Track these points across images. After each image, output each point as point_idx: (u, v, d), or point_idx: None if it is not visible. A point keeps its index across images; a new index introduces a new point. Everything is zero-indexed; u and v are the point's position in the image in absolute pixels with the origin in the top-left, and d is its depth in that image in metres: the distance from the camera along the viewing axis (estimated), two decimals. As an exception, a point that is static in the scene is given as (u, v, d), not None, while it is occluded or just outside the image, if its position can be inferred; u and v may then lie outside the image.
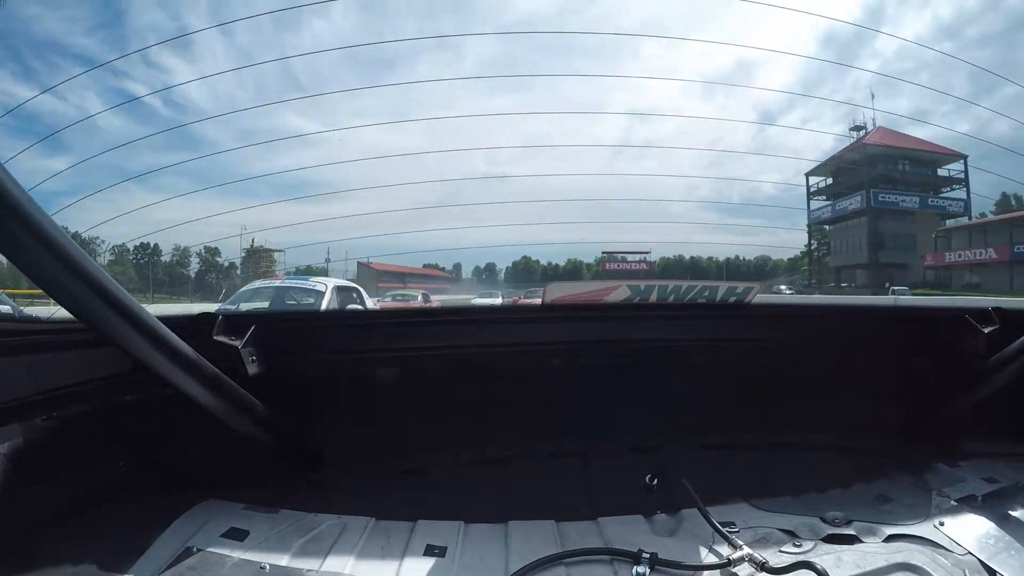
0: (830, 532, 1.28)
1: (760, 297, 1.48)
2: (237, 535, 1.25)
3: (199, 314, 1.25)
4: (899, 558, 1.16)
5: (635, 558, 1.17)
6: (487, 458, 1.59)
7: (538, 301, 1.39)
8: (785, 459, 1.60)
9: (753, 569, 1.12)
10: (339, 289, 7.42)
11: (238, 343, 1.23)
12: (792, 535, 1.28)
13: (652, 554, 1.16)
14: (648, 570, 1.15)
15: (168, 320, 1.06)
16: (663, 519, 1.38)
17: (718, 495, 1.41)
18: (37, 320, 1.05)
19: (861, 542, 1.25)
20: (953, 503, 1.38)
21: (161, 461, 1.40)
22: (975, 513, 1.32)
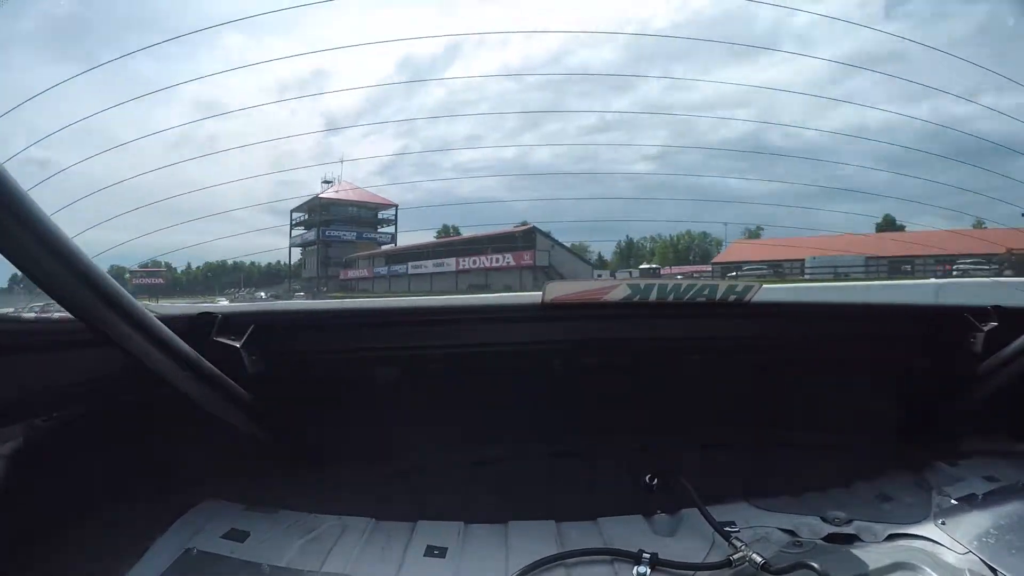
0: (830, 531, 1.28)
1: (760, 295, 1.48)
2: (237, 536, 1.25)
3: (199, 314, 1.25)
4: (900, 557, 1.16)
5: (635, 558, 1.17)
6: (487, 458, 1.59)
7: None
8: (785, 459, 1.60)
9: (753, 569, 1.12)
10: None
11: (237, 343, 1.23)
12: (792, 535, 1.28)
13: (652, 554, 1.16)
14: (648, 570, 1.14)
15: (167, 320, 1.06)
16: (663, 519, 1.38)
17: (718, 495, 1.41)
18: (37, 320, 1.05)
19: (862, 541, 1.25)
20: (954, 502, 1.37)
21: (161, 461, 1.39)
22: (976, 512, 1.32)
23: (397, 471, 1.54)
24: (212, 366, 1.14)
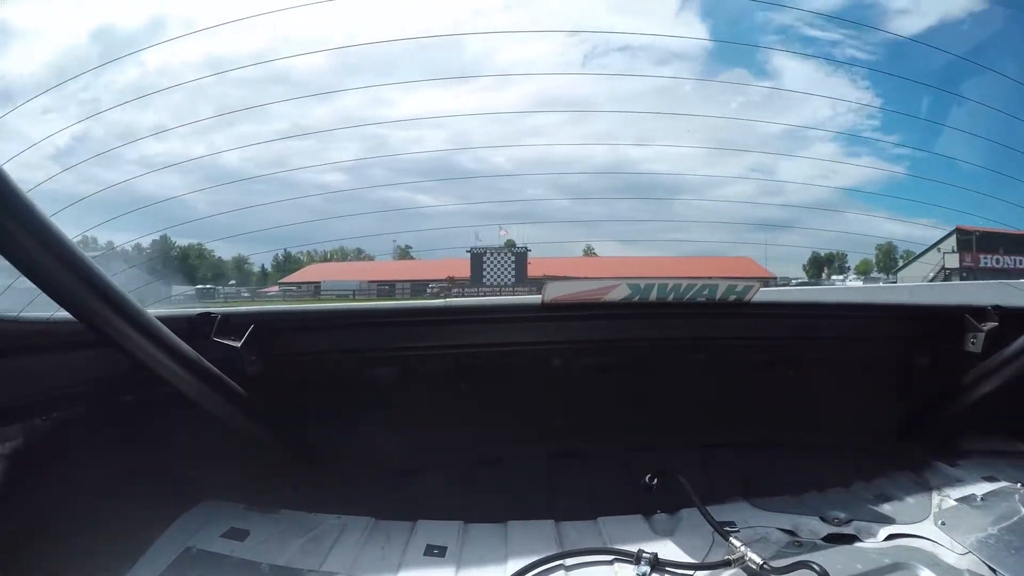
0: (830, 532, 1.28)
1: (760, 295, 1.48)
2: (237, 535, 1.25)
3: (198, 314, 1.25)
4: (899, 557, 1.16)
5: (635, 558, 1.17)
6: (487, 458, 1.59)
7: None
8: (785, 459, 1.60)
9: (753, 569, 1.12)
10: None
11: (237, 343, 1.23)
12: (792, 535, 1.28)
13: (652, 554, 1.16)
14: (649, 569, 1.14)
15: (167, 320, 1.06)
16: (663, 519, 1.37)
17: (718, 495, 1.41)
18: (37, 320, 1.05)
19: (861, 542, 1.25)
20: (953, 502, 1.37)
21: (161, 461, 1.40)
22: (975, 512, 1.32)
23: (397, 471, 1.54)
24: (212, 366, 1.14)
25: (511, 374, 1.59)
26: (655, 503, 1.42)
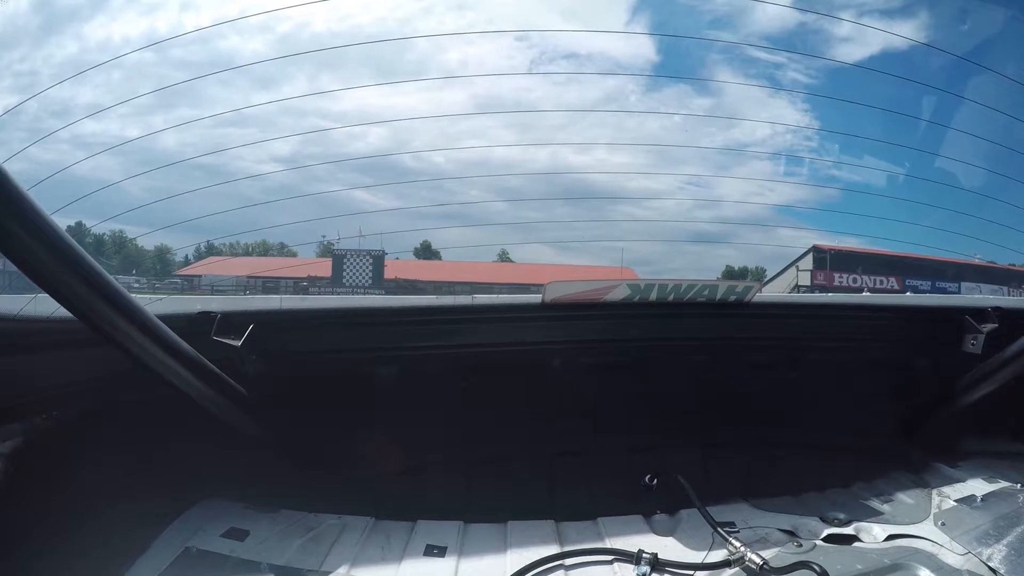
0: (830, 532, 1.28)
1: (760, 295, 1.48)
2: (237, 535, 1.25)
3: (198, 313, 1.25)
4: (899, 558, 1.16)
5: (635, 558, 1.17)
6: (487, 458, 1.59)
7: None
8: (785, 459, 1.60)
9: (753, 569, 1.12)
10: None
11: (237, 342, 1.23)
12: (792, 535, 1.28)
13: (652, 554, 1.16)
14: (648, 569, 1.14)
15: (168, 319, 1.06)
16: (663, 519, 1.38)
17: (718, 495, 1.41)
18: (37, 319, 1.05)
19: (861, 542, 1.25)
20: (953, 503, 1.38)
21: (160, 461, 1.39)
22: (975, 512, 1.32)
23: (397, 471, 1.53)
24: (212, 365, 1.14)
25: (511, 374, 1.59)
26: (655, 503, 1.42)
